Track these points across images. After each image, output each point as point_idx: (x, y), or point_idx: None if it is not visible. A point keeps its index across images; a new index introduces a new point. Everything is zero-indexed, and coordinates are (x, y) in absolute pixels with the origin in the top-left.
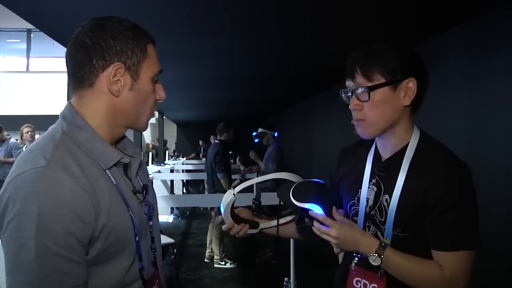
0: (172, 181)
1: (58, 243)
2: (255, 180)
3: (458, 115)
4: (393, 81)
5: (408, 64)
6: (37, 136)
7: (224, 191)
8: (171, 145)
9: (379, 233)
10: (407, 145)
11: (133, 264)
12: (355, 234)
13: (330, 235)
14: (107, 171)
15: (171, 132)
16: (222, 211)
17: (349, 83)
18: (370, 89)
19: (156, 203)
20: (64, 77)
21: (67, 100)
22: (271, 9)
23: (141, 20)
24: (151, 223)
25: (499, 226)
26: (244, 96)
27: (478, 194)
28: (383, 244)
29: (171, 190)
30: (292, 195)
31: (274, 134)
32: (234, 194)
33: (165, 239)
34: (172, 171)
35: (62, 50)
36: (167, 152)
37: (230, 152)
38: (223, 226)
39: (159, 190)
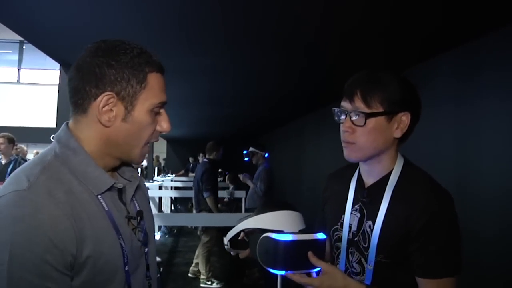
0: (160, 198)
1: (32, 272)
2: (245, 225)
3: (446, 139)
4: (391, 112)
5: (409, 98)
6: (24, 147)
7: (209, 210)
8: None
9: (362, 259)
10: (391, 172)
11: None
12: (338, 283)
13: (313, 285)
14: (99, 196)
15: (161, 149)
16: (227, 246)
17: (346, 104)
18: (368, 115)
19: (154, 229)
20: (55, 89)
21: (56, 113)
22: (262, 29)
23: (131, 37)
24: (146, 249)
25: (489, 248)
26: (235, 114)
27: (467, 218)
28: None
29: (159, 207)
30: (258, 256)
31: (265, 155)
32: (227, 245)
33: None
34: (160, 187)
35: (54, 62)
36: (156, 168)
37: (219, 170)
38: (240, 255)
39: None
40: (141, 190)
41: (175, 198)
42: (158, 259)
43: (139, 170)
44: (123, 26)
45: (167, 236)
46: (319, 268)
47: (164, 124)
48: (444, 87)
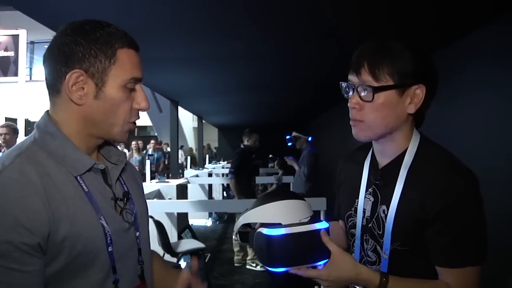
0: (210, 185)
1: None
2: (244, 220)
3: (482, 127)
4: (402, 85)
5: (422, 69)
6: None
7: (253, 196)
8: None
9: (378, 247)
10: (406, 151)
11: (108, 277)
12: (348, 273)
13: (321, 278)
14: (78, 177)
15: (212, 136)
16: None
17: (352, 77)
18: (376, 89)
19: (146, 213)
20: None
21: None
22: (304, 13)
23: (166, 26)
24: (137, 233)
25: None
26: (280, 101)
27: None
28: (384, 280)
29: (209, 194)
30: (256, 254)
31: (308, 139)
32: (236, 239)
33: (196, 244)
34: (210, 175)
35: None
36: (207, 156)
37: (253, 156)
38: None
39: (197, 195)
40: (130, 175)
41: (227, 184)
42: (202, 245)
43: (188, 159)
44: (157, 13)
45: (218, 223)
46: (324, 261)
47: (141, 102)
48: (480, 69)
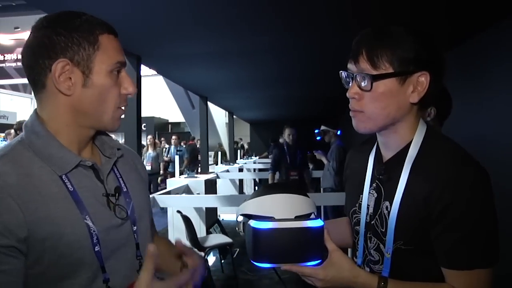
0: (241, 181)
1: None
2: (240, 211)
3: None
4: (403, 73)
5: (425, 55)
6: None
7: None
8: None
9: (381, 245)
10: (411, 143)
11: (97, 277)
12: (344, 274)
13: (317, 277)
14: (63, 176)
15: (245, 132)
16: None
17: (351, 66)
18: (374, 78)
19: (147, 206)
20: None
21: None
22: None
23: (192, 22)
24: (134, 228)
25: None
26: (309, 94)
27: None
28: (382, 284)
29: (240, 189)
30: (252, 255)
31: (337, 132)
32: (240, 231)
33: (223, 239)
34: (240, 170)
35: None
36: (238, 151)
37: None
38: None
39: (228, 190)
40: (131, 166)
41: (259, 180)
42: (230, 240)
43: (219, 154)
44: (184, 8)
45: None
46: (316, 262)
47: (128, 87)
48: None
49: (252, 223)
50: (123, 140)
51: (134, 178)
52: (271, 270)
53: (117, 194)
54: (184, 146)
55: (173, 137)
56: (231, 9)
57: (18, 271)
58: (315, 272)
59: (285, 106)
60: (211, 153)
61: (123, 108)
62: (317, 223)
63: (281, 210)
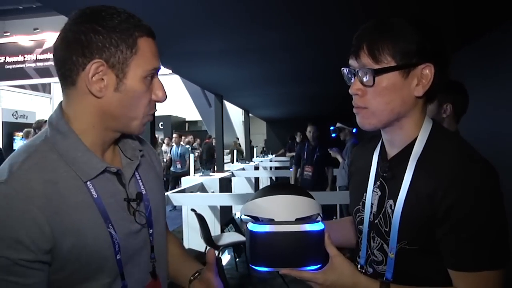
0: (256, 179)
1: None
2: (242, 212)
3: None
4: (405, 66)
5: (428, 47)
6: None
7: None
8: (258, 142)
9: (385, 245)
10: (416, 139)
11: (116, 282)
12: (345, 280)
13: (316, 282)
14: (88, 183)
15: (261, 130)
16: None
17: (352, 62)
18: (376, 72)
19: (163, 206)
20: None
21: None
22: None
23: (203, 19)
24: (151, 231)
25: None
26: (324, 91)
27: None
28: None
29: (256, 188)
30: (250, 258)
31: (352, 130)
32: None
33: (237, 237)
34: (256, 168)
35: None
36: (255, 149)
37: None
38: None
39: (243, 188)
40: (149, 165)
41: (275, 178)
42: (242, 238)
43: (235, 152)
44: (195, 5)
45: None
46: (316, 267)
47: (159, 93)
48: None
49: (250, 225)
50: None
51: (152, 177)
52: None
53: (138, 200)
54: (197, 144)
55: (174, 135)
56: (244, 6)
57: (43, 283)
58: (314, 276)
59: (300, 103)
60: (227, 151)
61: (152, 114)
62: (317, 226)
63: (281, 212)
